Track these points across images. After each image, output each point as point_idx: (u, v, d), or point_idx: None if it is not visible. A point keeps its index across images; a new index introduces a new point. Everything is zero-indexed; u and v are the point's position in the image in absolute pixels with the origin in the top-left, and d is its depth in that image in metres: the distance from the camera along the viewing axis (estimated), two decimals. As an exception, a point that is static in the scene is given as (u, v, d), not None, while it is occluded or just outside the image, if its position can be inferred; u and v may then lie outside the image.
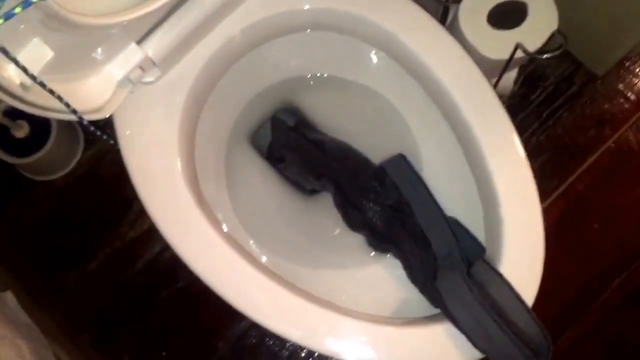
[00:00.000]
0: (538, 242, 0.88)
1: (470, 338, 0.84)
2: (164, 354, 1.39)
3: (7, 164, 1.30)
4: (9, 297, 1.14)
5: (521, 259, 0.88)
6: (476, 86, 0.94)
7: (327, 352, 0.86)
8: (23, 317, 1.14)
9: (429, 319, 0.91)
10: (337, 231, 1.09)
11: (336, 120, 1.15)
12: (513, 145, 0.92)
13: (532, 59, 1.07)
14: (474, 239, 0.96)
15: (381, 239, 1.05)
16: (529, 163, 0.91)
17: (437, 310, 0.91)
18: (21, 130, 1.29)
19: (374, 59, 1.06)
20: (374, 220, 1.04)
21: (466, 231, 0.97)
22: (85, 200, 1.45)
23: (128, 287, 1.42)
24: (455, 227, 0.96)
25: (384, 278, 1.05)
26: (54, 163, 1.42)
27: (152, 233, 1.40)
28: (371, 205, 1.04)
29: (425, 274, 0.96)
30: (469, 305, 0.83)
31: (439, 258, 0.93)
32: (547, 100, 1.49)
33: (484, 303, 0.83)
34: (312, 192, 1.16)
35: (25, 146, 1.30)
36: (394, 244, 1.03)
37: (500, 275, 0.86)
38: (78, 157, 1.46)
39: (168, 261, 1.39)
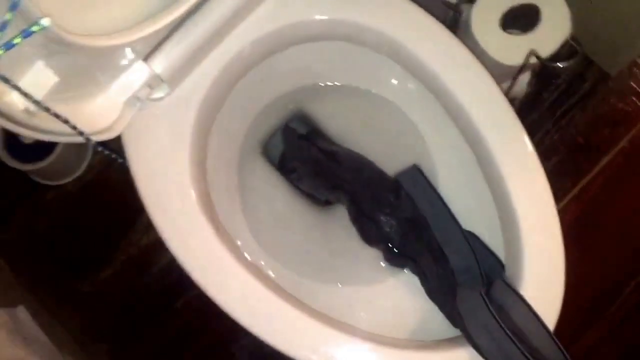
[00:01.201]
0: (558, 262, 0.87)
1: None
2: (181, 362, 1.39)
3: (16, 169, 1.29)
4: (22, 312, 1.13)
5: (542, 281, 0.86)
6: (488, 96, 0.92)
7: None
8: (37, 332, 1.12)
9: (449, 343, 0.89)
10: (353, 245, 1.07)
11: (349, 129, 1.13)
12: (530, 159, 0.89)
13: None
14: (492, 253, 0.94)
15: (397, 254, 1.03)
16: (546, 178, 0.89)
17: (457, 331, 0.90)
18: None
19: (387, 68, 1.04)
20: (390, 234, 1.03)
21: (484, 246, 0.95)
22: (96, 205, 1.44)
23: (143, 294, 1.41)
24: (473, 242, 0.94)
25: (401, 295, 1.03)
26: (63, 168, 1.41)
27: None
28: (387, 218, 1.03)
29: (443, 290, 0.94)
30: (490, 329, 0.81)
31: (457, 273, 0.91)
32: (559, 100, 1.47)
33: (505, 327, 0.81)
34: (327, 203, 1.14)
35: (34, 152, 1.29)
36: (411, 259, 1.01)
37: (521, 298, 0.84)
38: (87, 161, 1.45)
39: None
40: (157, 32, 0.77)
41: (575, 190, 1.44)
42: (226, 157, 1.06)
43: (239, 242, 1.00)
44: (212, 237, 0.88)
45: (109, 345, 1.40)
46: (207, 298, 0.88)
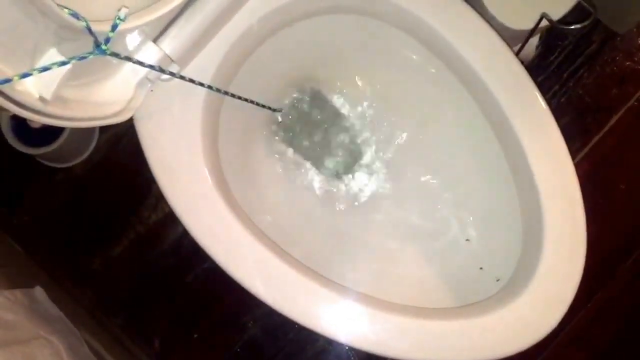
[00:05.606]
0: (579, 221, 0.88)
1: None
2: (195, 335, 1.40)
3: (25, 153, 1.29)
4: (39, 292, 1.14)
5: (563, 242, 0.88)
6: (503, 61, 0.91)
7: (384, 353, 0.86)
8: (54, 310, 1.14)
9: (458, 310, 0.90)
10: (358, 220, 1.09)
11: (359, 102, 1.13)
12: (545, 119, 0.90)
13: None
14: None
15: None
16: (562, 136, 0.90)
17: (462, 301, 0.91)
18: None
19: (398, 41, 1.03)
20: None
21: None
22: (104, 185, 1.44)
23: (154, 270, 1.42)
24: None
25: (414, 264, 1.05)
26: (71, 150, 1.41)
27: (174, 216, 1.38)
28: None
29: None
30: None
31: None
32: (566, 61, 1.46)
33: None
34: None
35: (41, 136, 1.29)
36: None
37: None
38: (94, 142, 1.44)
39: (192, 242, 1.38)
40: (166, 13, 0.76)
41: (585, 150, 1.44)
42: (237, 132, 1.06)
43: (251, 215, 1.00)
44: (225, 211, 0.89)
45: (122, 320, 1.41)
46: (217, 272, 0.88)
